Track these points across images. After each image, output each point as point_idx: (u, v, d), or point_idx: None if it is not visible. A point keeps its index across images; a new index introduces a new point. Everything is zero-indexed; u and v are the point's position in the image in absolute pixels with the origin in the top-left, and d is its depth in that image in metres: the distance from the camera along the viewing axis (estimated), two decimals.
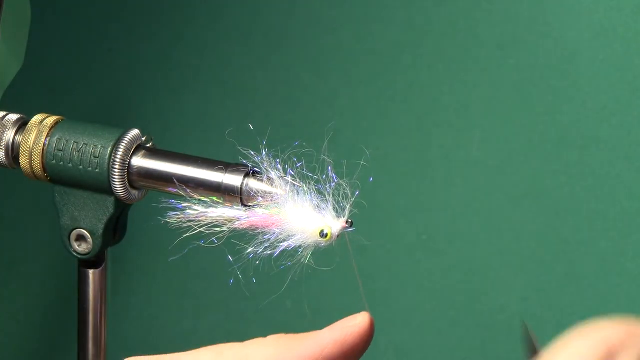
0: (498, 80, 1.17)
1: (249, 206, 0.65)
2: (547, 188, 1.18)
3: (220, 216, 0.66)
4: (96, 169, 0.68)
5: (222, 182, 0.65)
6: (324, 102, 1.25)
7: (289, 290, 1.37)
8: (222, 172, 0.65)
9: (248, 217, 0.65)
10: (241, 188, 0.65)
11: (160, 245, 1.38)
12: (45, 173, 0.70)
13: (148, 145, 0.69)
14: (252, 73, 1.28)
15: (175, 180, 0.66)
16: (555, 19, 1.14)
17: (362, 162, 0.70)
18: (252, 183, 0.65)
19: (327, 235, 0.64)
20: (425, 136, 1.22)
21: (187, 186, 0.66)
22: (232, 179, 0.65)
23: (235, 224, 0.65)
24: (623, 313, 1.19)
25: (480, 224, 1.22)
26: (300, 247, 0.65)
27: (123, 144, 0.67)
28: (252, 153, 0.66)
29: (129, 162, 0.68)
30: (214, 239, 0.66)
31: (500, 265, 1.22)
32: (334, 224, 0.65)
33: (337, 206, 0.66)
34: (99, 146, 0.68)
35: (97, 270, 0.72)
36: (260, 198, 0.65)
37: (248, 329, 1.37)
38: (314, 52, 1.25)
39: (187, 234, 0.66)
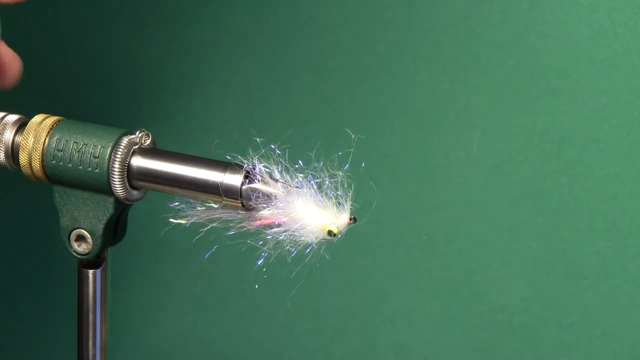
0: (498, 80, 1.17)
1: (249, 206, 0.65)
2: (547, 188, 1.18)
3: (227, 216, 0.66)
4: (96, 169, 0.68)
5: (222, 182, 0.65)
6: (324, 102, 1.25)
7: (289, 290, 1.38)
8: (222, 172, 0.65)
9: (255, 218, 0.65)
10: (241, 188, 0.65)
11: (160, 245, 1.38)
12: (45, 173, 0.69)
13: (147, 143, 0.69)
14: (252, 73, 1.28)
15: (174, 181, 0.66)
16: (555, 19, 1.14)
17: (360, 153, 0.70)
18: (252, 183, 0.65)
19: (334, 234, 0.65)
20: (425, 136, 1.22)
21: (187, 186, 0.66)
22: (232, 179, 0.65)
23: (243, 223, 0.65)
24: (623, 313, 1.19)
25: (480, 224, 1.22)
26: (308, 245, 0.65)
27: (123, 144, 0.67)
28: (252, 153, 0.66)
29: (129, 162, 0.68)
30: (228, 232, 0.66)
31: (500, 265, 1.22)
32: (339, 221, 0.65)
33: (339, 201, 0.66)
34: (99, 146, 0.68)
35: (97, 270, 0.72)
36: (260, 198, 0.65)
37: (248, 329, 1.37)
38: (314, 52, 1.25)
39: (199, 235, 0.66)
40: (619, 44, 1.12)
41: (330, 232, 0.64)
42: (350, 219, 0.65)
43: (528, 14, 1.15)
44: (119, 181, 0.67)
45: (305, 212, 0.64)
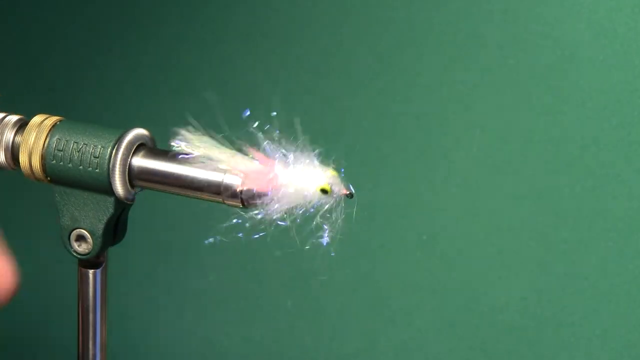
0: (498, 80, 1.17)
1: (250, 205, 0.65)
2: (547, 188, 1.18)
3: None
4: (96, 169, 0.68)
5: (222, 182, 0.65)
6: (324, 102, 1.25)
7: (289, 290, 1.38)
8: (222, 172, 0.66)
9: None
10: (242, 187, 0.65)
11: (160, 245, 1.38)
12: (45, 173, 0.69)
13: (147, 143, 0.69)
14: (252, 73, 1.28)
15: (175, 181, 0.66)
16: (555, 19, 1.14)
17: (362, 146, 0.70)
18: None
19: (327, 191, 0.65)
20: (425, 136, 1.22)
21: (188, 186, 0.66)
22: (232, 179, 0.65)
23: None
24: (623, 313, 1.19)
25: (480, 224, 1.22)
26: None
27: (123, 144, 0.67)
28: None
29: (129, 162, 0.68)
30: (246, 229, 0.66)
31: (500, 265, 1.22)
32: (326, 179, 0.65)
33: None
34: (99, 146, 0.68)
35: (97, 270, 0.72)
36: (259, 198, 0.65)
37: (248, 329, 1.37)
38: (314, 52, 1.25)
39: (200, 236, 0.66)
40: (619, 44, 1.12)
41: (323, 191, 0.65)
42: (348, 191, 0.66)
43: (528, 14, 1.15)
44: (119, 181, 0.67)
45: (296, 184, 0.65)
